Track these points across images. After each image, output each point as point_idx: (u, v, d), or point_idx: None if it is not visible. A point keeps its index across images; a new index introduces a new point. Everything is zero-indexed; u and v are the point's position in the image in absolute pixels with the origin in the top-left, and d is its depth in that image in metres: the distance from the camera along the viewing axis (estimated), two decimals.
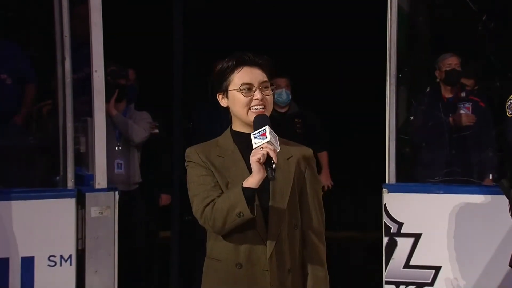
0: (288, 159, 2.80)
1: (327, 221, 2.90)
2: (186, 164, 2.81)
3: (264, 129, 2.62)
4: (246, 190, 2.64)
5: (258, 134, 2.62)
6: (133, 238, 5.56)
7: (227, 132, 2.85)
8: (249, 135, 2.68)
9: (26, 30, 5.12)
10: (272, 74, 2.82)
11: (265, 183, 2.70)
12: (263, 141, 2.61)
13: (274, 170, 2.60)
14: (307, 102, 6.23)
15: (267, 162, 2.60)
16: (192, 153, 2.79)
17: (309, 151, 2.87)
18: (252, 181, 2.63)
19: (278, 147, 2.64)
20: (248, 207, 2.64)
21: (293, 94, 5.92)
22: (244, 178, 2.68)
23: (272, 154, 2.60)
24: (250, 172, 2.67)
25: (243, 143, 2.73)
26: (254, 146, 2.63)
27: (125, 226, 5.10)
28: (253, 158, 2.61)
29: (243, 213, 2.64)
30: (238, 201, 2.64)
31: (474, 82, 5.53)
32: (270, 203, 2.73)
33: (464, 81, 5.41)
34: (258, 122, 2.68)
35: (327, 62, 7.71)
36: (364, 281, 6.27)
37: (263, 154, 2.60)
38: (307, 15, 7.50)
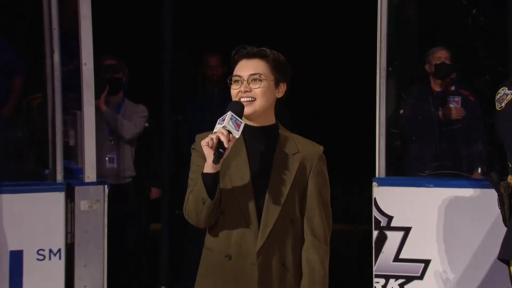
0: (293, 154, 2.79)
1: None
2: (191, 149, 2.83)
3: (226, 115, 2.65)
4: (205, 176, 2.65)
5: (221, 119, 2.66)
6: (123, 231, 5.55)
7: None
8: (251, 127, 2.74)
9: (14, 22, 5.09)
10: (278, 66, 2.80)
11: (265, 178, 2.73)
12: (220, 126, 2.64)
13: (221, 153, 2.61)
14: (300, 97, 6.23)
15: (218, 146, 2.62)
16: (198, 140, 2.81)
17: (319, 149, 2.85)
18: (206, 166, 2.65)
19: (238, 133, 2.65)
20: (215, 192, 2.65)
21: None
22: (242, 167, 2.72)
23: (223, 138, 2.61)
24: (250, 162, 2.72)
25: (247, 135, 2.74)
26: (214, 131, 2.66)
27: (116, 219, 5.09)
28: (203, 143, 2.64)
29: (204, 199, 2.65)
30: (200, 188, 2.66)
31: (464, 75, 5.53)
32: (266, 198, 2.73)
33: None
34: (228, 108, 2.70)
35: (316, 56, 7.69)
36: (355, 274, 6.27)
37: (211, 138, 2.62)
38: (294, 11, 7.48)
